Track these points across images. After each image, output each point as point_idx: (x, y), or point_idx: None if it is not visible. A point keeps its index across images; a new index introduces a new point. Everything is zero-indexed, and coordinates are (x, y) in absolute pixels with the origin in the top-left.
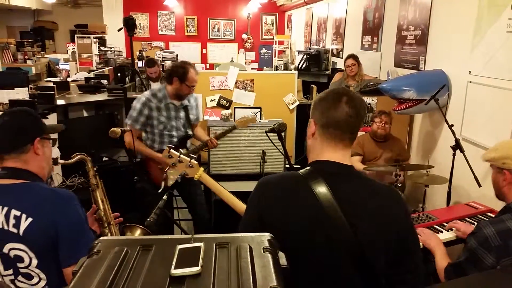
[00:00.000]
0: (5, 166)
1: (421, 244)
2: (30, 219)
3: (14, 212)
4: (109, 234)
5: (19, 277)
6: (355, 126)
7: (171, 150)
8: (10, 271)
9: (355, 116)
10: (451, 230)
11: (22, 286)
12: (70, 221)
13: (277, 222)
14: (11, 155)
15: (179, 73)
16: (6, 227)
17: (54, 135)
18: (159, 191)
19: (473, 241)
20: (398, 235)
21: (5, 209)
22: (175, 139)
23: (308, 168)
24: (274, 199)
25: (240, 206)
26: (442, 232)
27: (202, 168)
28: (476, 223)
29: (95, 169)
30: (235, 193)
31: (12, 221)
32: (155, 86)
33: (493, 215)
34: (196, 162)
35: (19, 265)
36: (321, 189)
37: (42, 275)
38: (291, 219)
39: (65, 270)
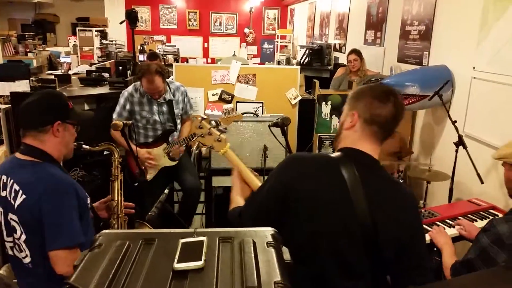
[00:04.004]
0: (24, 142)
1: (428, 237)
2: (24, 196)
3: (15, 186)
4: (115, 226)
5: (16, 247)
6: (395, 127)
7: (203, 121)
8: (11, 239)
9: (398, 119)
10: (454, 227)
11: (17, 254)
12: (53, 207)
13: (304, 195)
14: (31, 133)
15: (137, 76)
16: (9, 198)
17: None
18: (135, 185)
19: (485, 239)
20: (410, 236)
21: (11, 181)
22: (159, 133)
23: (339, 153)
24: (306, 174)
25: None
26: (444, 228)
27: (229, 144)
28: (478, 220)
29: (120, 160)
30: None
31: (12, 194)
32: None
33: (496, 212)
34: (224, 137)
35: (14, 235)
36: (350, 173)
37: (27, 252)
38: (318, 195)
39: (48, 254)
